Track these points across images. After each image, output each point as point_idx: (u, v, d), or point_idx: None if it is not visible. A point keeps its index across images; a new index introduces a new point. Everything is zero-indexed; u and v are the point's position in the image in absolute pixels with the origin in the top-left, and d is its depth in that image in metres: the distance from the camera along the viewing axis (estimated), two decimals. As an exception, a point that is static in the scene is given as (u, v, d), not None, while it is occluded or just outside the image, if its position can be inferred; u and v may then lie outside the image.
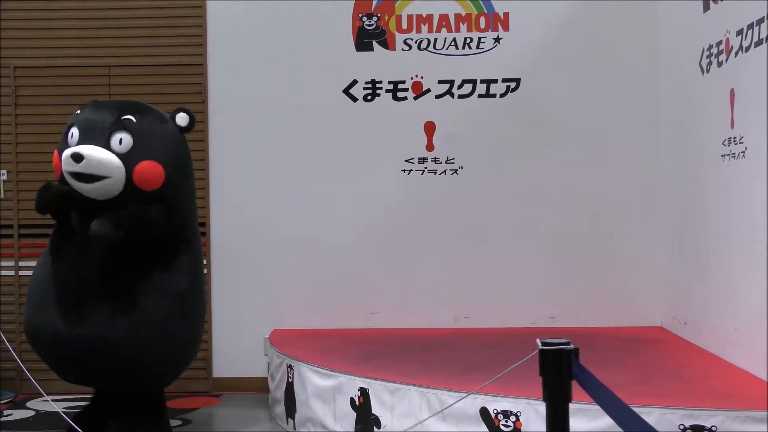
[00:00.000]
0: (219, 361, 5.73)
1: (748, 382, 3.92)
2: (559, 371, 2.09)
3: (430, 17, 5.66)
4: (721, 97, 4.40)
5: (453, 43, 5.67)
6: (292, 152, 5.69)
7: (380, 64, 5.67)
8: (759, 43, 3.94)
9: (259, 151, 5.70)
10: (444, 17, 5.66)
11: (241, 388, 5.65)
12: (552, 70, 5.62)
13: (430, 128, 5.68)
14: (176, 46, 5.75)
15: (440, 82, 5.66)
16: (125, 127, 3.83)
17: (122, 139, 3.81)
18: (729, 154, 4.32)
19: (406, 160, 5.67)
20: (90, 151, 3.73)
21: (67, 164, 3.75)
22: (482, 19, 5.65)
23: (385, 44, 5.68)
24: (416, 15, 5.66)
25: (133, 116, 3.87)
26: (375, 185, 5.66)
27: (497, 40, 5.65)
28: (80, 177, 3.75)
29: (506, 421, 3.61)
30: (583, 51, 5.62)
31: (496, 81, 5.65)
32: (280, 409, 4.85)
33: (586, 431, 3.39)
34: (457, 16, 5.65)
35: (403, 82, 5.68)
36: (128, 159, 3.79)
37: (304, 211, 5.70)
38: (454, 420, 3.74)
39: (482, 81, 5.65)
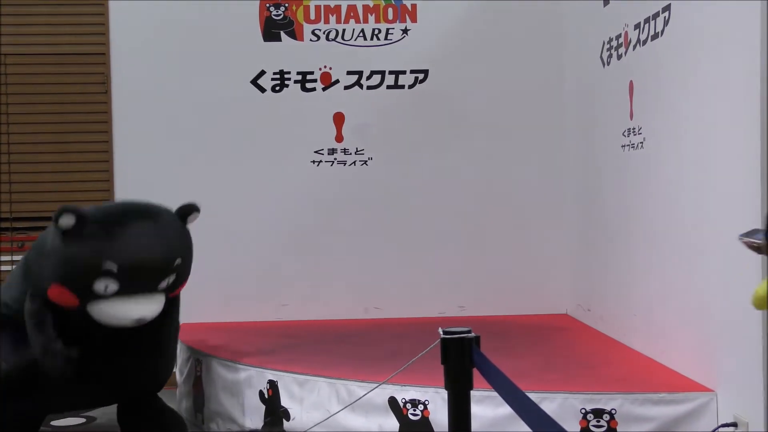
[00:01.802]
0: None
1: (646, 365, 4.05)
2: (461, 359, 2.12)
3: (338, 8, 5.64)
4: (621, 89, 4.52)
5: (361, 34, 5.66)
6: (200, 144, 5.59)
7: (288, 54, 5.62)
8: (655, 36, 4.05)
9: (165, 143, 5.58)
10: (352, 8, 5.65)
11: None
12: (460, 61, 5.68)
13: (339, 119, 5.67)
14: (77, 34, 5.59)
15: (349, 72, 5.66)
16: (175, 269, 3.73)
17: (169, 281, 3.72)
18: (629, 145, 4.45)
19: (316, 151, 5.65)
20: (148, 311, 3.62)
21: (120, 321, 3.61)
22: (390, 11, 5.66)
23: (293, 34, 5.63)
24: (324, 5, 5.63)
25: (180, 257, 3.77)
26: (284, 176, 5.62)
27: (405, 31, 5.67)
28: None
29: (414, 410, 3.64)
30: (491, 43, 5.69)
31: (404, 72, 5.67)
32: (189, 403, 4.78)
33: (491, 417, 3.45)
34: (365, 7, 5.65)
35: (312, 73, 5.65)
36: (171, 289, 3.81)
37: (212, 203, 5.57)
38: (363, 410, 3.74)
39: (391, 72, 5.67)
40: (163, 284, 3.66)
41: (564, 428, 1.65)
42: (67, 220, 3.49)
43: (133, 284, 3.53)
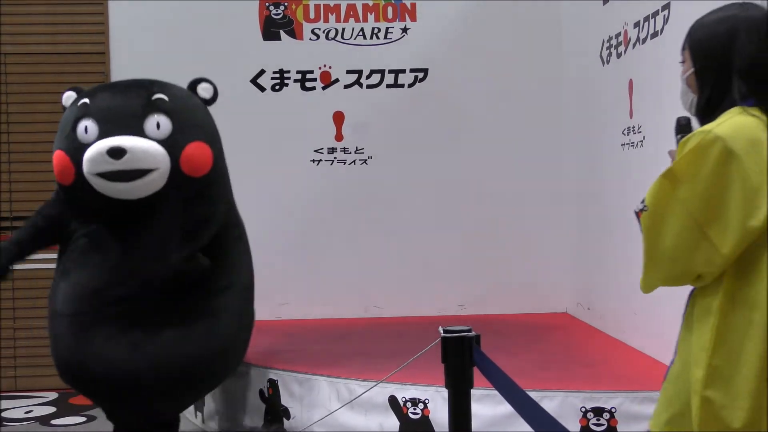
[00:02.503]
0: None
1: (647, 364, 4.05)
2: (461, 358, 2.12)
3: (337, 7, 5.64)
4: (620, 88, 4.52)
5: (361, 33, 5.67)
6: (199, 142, 5.59)
7: (288, 53, 5.63)
8: (655, 35, 4.06)
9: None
10: (351, 7, 5.65)
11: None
12: (459, 60, 5.68)
13: (339, 118, 5.67)
14: (77, 33, 5.58)
15: (348, 72, 5.66)
16: (159, 108, 3.21)
17: (159, 123, 3.19)
18: (628, 143, 4.45)
19: (316, 150, 5.65)
20: (131, 141, 3.08)
21: (99, 163, 3.08)
22: (390, 9, 5.67)
23: (292, 33, 5.64)
24: (323, 4, 5.63)
25: (164, 95, 3.27)
26: (284, 175, 5.62)
27: (405, 30, 5.67)
28: (120, 175, 3.10)
29: (414, 409, 3.64)
30: (490, 42, 5.69)
31: (404, 71, 5.68)
32: (189, 403, 4.78)
33: (491, 416, 3.45)
34: (365, 6, 5.65)
35: (312, 72, 5.66)
36: (172, 144, 3.18)
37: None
38: (363, 409, 3.75)
39: (390, 71, 5.67)
40: (150, 125, 3.19)
41: (564, 427, 1.65)
42: (67, 96, 3.49)
43: (111, 123, 3.17)
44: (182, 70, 5.51)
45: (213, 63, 5.55)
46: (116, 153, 3.04)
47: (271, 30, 5.63)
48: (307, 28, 5.65)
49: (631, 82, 4.40)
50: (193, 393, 3.59)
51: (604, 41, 4.82)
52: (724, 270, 1.82)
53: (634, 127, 4.37)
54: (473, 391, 2.22)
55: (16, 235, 3.59)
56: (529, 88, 5.69)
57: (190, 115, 3.30)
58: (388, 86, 5.68)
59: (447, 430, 2.20)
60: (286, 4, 5.61)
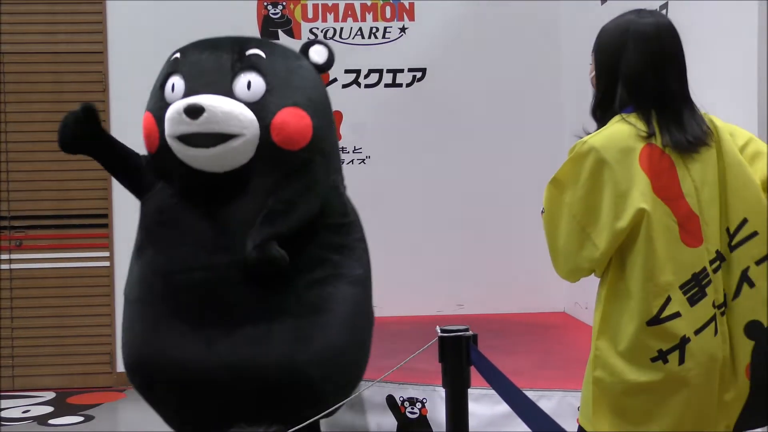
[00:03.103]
0: (123, 356, 5.61)
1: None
2: (458, 358, 2.12)
3: (335, 6, 5.64)
4: (618, 88, 4.52)
5: (359, 33, 5.67)
6: (197, 142, 5.59)
7: (286, 53, 5.62)
8: (653, 35, 4.05)
9: (163, 141, 5.58)
10: (350, 6, 5.65)
11: (146, 382, 5.55)
12: (458, 60, 5.68)
13: (337, 118, 5.66)
14: (75, 33, 5.58)
15: (347, 71, 5.66)
16: (252, 65, 2.74)
17: (251, 83, 2.72)
18: (626, 143, 4.45)
19: (314, 150, 5.64)
20: (212, 101, 2.63)
21: (177, 124, 2.66)
22: (388, 9, 5.67)
23: (290, 33, 5.64)
24: (322, 4, 5.63)
25: (261, 50, 2.80)
26: (282, 175, 5.61)
27: (403, 29, 5.68)
28: (198, 139, 2.65)
29: (412, 408, 3.64)
30: (488, 42, 5.69)
31: (402, 71, 5.68)
32: (187, 402, 4.78)
33: (489, 415, 3.45)
34: (363, 6, 5.65)
35: (310, 72, 5.65)
36: (262, 108, 2.69)
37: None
38: (361, 409, 3.75)
39: (389, 71, 5.67)
40: (240, 84, 2.72)
41: (561, 426, 1.66)
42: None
43: (197, 80, 2.75)
44: (180, 70, 5.56)
45: (211, 62, 5.57)
46: (193, 112, 2.59)
47: (269, 29, 5.63)
48: (305, 27, 5.65)
49: (629, 81, 4.40)
50: (290, 404, 2.76)
51: (602, 41, 4.82)
52: (605, 264, 2.02)
53: (632, 126, 4.36)
54: (471, 391, 2.22)
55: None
56: (527, 88, 5.69)
57: (291, 77, 2.78)
58: (387, 86, 5.68)
59: (444, 429, 2.20)
60: (284, 3, 5.61)
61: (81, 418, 4.84)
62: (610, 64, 2.05)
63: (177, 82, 2.82)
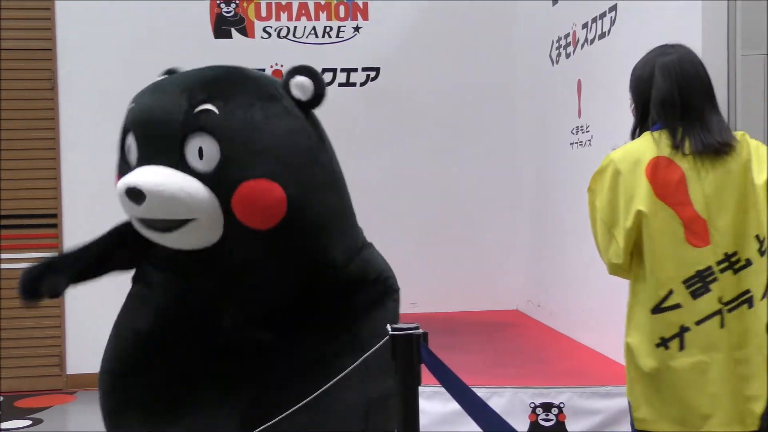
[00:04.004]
0: (73, 357, 5.52)
1: (595, 360, 4.11)
2: (409, 356, 2.12)
3: (289, 5, 5.62)
4: (569, 88, 4.58)
5: (313, 32, 5.65)
6: (149, 141, 5.53)
7: (239, 51, 5.58)
8: (602, 35, 4.11)
9: (113, 140, 5.48)
10: (303, 5, 5.64)
11: (97, 384, 5.47)
12: (411, 59, 5.70)
13: (290, 117, 5.65)
14: (23, 29, 5.48)
15: (300, 70, 5.63)
16: (203, 126, 2.17)
17: (202, 150, 2.16)
18: (577, 142, 4.50)
19: (267, 149, 5.61)
20: (153, 183, 2.15)
21: (124, 204, 2.25)
22: (342, 8, 5.66)
23: (243, 32, 5.60)
24: (275, 3, 5.61)
25: (213, 104, 2.19)
26: (235, 174, 5.58)
27: (357, 29, 5.68)
28: (150, 223, 2.24)
29: (365, 407, 3.64)
30: (442, 42, 5.72)
31: (356, 70, 5.68)
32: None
33: (441, 413, 3.47)
34: (317, 5, 5.64)
35: (263, 70, 5.60)
36: (219, 182, 2.17)
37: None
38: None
39: (342, 70, 5.67)
40: (191, 151, 2.17)
41: (510, 425, 1.67)
42: None
43: (146, 146, 2.26)
44: (131, 69, 5.48)
45: (163, 60, 5.46)
46: (134, 196, 2.16)
47: (222, 28, 5.59)
48: (258, 26, 5.62)
49: (579, 82, 4.45)
50: None
51: (553, 41, 4.88)
52: (628, 260, 2.34)
53: (582, 126, 4.42)
54: (423, 389, 2.22)
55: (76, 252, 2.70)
56: (481, 88, 5.73)
57: (253, 135, 2.20)
58: (340, 85, 5.67)
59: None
60: (237, 2, 5.58)
61: (29, 422, 4.76)
62: (644, 94, 2.40)
63: (131, 144, 2.33)
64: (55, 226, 5.45)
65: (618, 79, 3.97)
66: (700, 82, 2.35)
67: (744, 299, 2.25)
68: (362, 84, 5.69)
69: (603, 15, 4.09)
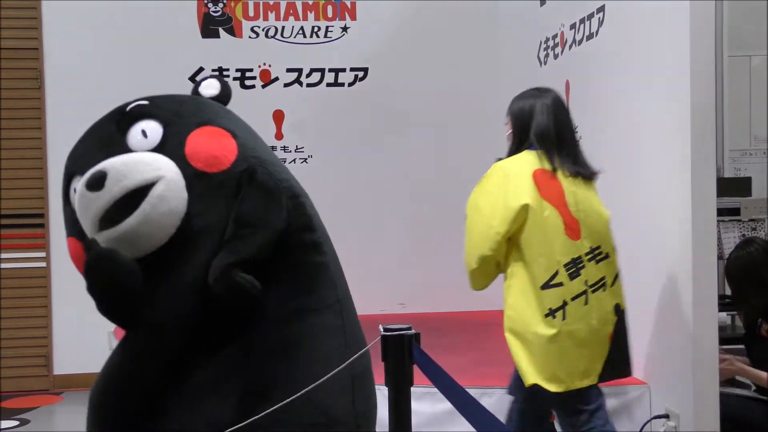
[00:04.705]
0: (60, 357, 5.50)
1: (583, 360, 4.12)
2: (401, 356, 2.13)
3: (277, 5, 5.62)
4: (557, 88, 4.55)
5: (301, 32, 5.65)
6: (136, 141, 5.51)
7: (227, 51, 5.58)
8: (590, 36, 4.13)
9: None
10: (291, 5, 5.63)
11: (84, 384, 5.43)
12: (399, 59, 5.71)
13: (278, 117, 5.65)
14: (9, 28, 5.45)
15: (288, 70, 5.64)
16: (138, 114, 2.31)
17: (145, 130, 2.26)
18: (565, 143, 4.52)
19: (255, 149, 5.61)
20: (108, 161, 2.16)
21: (87, 209, 2.16)
22: (329, 8, 5.66)
23: (231, 31, 5.59)
24: (263, 2, 5.60)
25: (141, 101, 2.38)
26: (223, 174, 5.56)
27: (345, 29, 5.68)
28: (118, 211, 2.13)
29: (355, 408, 3.64)
30: (430, 42, 5.73)
31: (344, 70, 5.68)
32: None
33: (431, 413, 3.47)
34: (305, 5, 5.64)
35: (251, 70, 5.62)
36: (169, 145, 2.23)
37: (150, 201, 5.54)
38: (303, 408, 3.73)
39: (330, 70, 5.67)
40: (134, 138, 2.27)
41: (503, 424, 1.68)
42: None
43: (90, 163, 2.24)
44: (118, 68, 5.47)
45: (150, 60, 5.49)
46: (93, 182, 2.12)
47: (209, 27, 5.58)
48: (246, 25, 5.61)
49: (567, 82, 4.47)
50: None
51: (541, 42, 4.89)
52: (503, 251, 2.90)
53: (570, 127, 4.43)
54: (413, 389, 2.23)
55: None
56: (468, 88, 5.74)
57: (184, 107, 2.37)
58: (329, 85, 5.67)
59: (386, 427, 2.20)
60: (224, 1, 5.57)
61: (16, 423, 4.74)
62: (525, 125, 3.03)
63: (77, 184, 2.25)
64: (42, 225, 5.43)
65: (606, 80, 4.00)
66: (568, 121, 3.06)
67: (602, 284, 2.89)
68: (350, 84, 5.69)
69: (591, 16, 4.10)
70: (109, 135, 2.29)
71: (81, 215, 2.18)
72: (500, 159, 3.07)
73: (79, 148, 2.40)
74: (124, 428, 2.26)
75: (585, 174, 2.97)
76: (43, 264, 5.44)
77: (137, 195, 2.11)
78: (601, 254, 2.91)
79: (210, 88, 2.52)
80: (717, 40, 3.45)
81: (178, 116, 2.30)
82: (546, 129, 2.98)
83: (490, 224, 2.88)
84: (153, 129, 2.25)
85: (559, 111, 3.05)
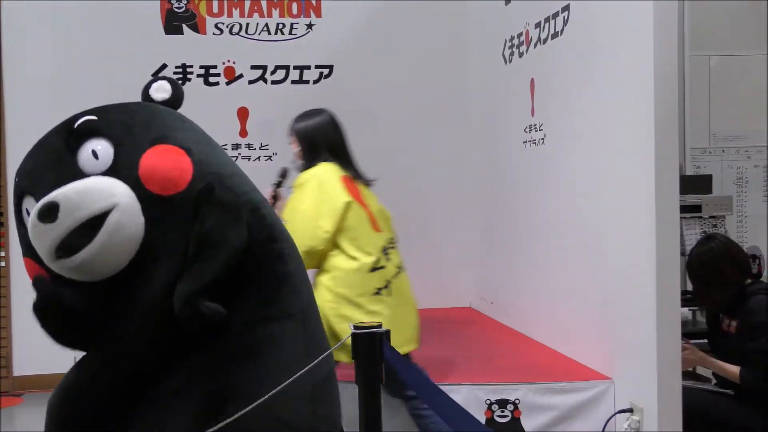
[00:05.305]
0: (20, 357, 5.41)
1: (548, 356, 4.16)
2: (372, 354, 2.13)
3: (241, 2, 5.58)
4: (522, 86, 4.62)
5: (265, 29, 5.62)
6: (98, 138, 5.44)
7: (191, 48, 5.53)
8: (555, 35, 4.16)
9: (61, 137, 5.41)
10: (256, 2, 5.60)
11: (46, 385, 5.36)
12: (365, 57, 5.70)
13: (243, 114, 5.62)
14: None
15: (253, 67, 5.61)
16: (87, 133, 2.20)
17: (95, 150, 2.17)
18: (530, 141, 4.55)
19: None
20: (59, 191, 2.07)
21: (42, 239, 2.07)
22: (294, 6, 5.64)
23: (195, 28, 5.54)
24: (227, -1, 5.57)
25: (89, 115, 2.25)
26: (187, 172, 5.52)
27: (310, 26, 5.66)
28: (73, 241, 2.06)
29: (322, 406, 3.64)
30: (395, 40, 5.73)
31: (309, 67, 5.66)
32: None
33: (399, 411, 3.49)
34: (269, 2, 5.61)
35: (215, 67, 5.58)
36: (121, 167, 2.14)
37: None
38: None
39: (295, 67, 5.65)
40: (84, 159, 2.17)
41: (476, 418, 1.69)
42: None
43: (41, 188, 2.17)
44: (80, 65, 5.40)
45: (113, 57, 5.43)
46: (45, 214, 2.04)
47: (173, 24, 5.52)
48: (210, 22, 5.56)
49: (532, 80, 4.50)
50: None
51: (506, 41, 4.92)
52: (331, 242, 3.38)
53: (535, 125, 4.47)
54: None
55: None
56: (433, 86, 5.75)
57: (134, 121, 2.26)
58: (293, 82, 5.65)
59: (354, 425, 2.21)
60: (188, -3, 5.52)
61: (-23, 425, 4.66)
62: (315, 141, 3.56)
63: (29, 203, 2.19)
64: (1, 224, 5.34)
65: (571, 78, 4.03)
66: (346, 135, 3.65)
67: (401, 268, 3.54)
68: (315, 82, 5.67)
69: (556, 15, 4.13)
70: (58, 154, 2.19)
71: (35, 243, 2.10)
72: (285, 169, 3.75)
73: (27, 163, 2.29)
74: None
75: (367, 180, 3.64)
76: (2, 263, 5.35)
77: (93, 223, 2.05)
78: (394, 243, 3.59)
79: (160, 91, 2.41)
80: (679, 40, 3.50)
81: (129, 134, 2.20)
82: (336, 142, 3.57)
83: (316, 224, 3.33)
84: (104, 149, 2.15)
85: (339, 127, 3.64)
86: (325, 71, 5.67)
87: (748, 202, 5.87)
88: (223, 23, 5.57)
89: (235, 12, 5.58)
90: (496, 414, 3.53)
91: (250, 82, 5.61)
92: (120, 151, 2.14)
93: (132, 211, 2.09)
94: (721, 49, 5.88)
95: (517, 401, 3.54)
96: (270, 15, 5.62)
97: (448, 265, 5.81)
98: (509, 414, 3.53)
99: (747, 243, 5.50)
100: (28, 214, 2.15)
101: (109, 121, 2.21)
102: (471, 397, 3.56)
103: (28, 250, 2.19)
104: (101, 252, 2.06)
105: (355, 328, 2.17)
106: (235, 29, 5.58)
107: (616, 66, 3.52)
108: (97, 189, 2.07)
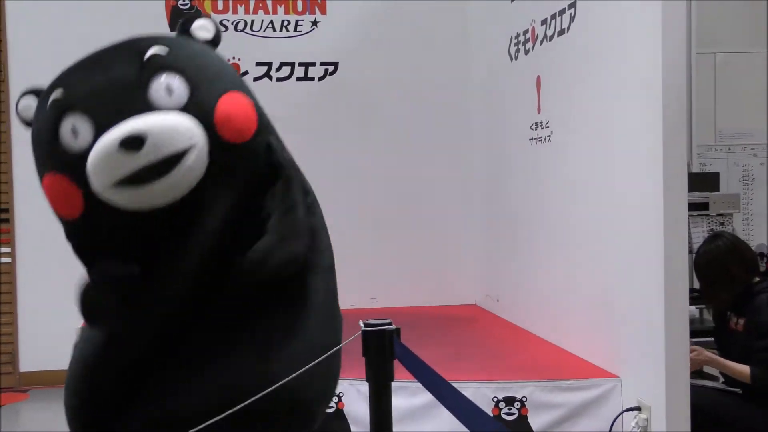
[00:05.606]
0: (26, 354, 5.42)
1: (555, 354, 4.15)
2: (382, 351, 2.13)
3: (246, -2, 5.59)
4: (528, 84, 4.61)
5: (270, 25, 5.62)
6: (104, 135, 5.44)
7: (196, 44, 5.52)
8: (561, 32, 4.15)
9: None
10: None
11: (51, 381, 5.35)
12: (369, 54, 5.69)
13: (248, 111, 5.61)
14: (-28, 20, 5.36)
15: (258, 64, 5.60)
16: (160, 67, 2.13)
17: (170, 86, 2.11)
18: (536, 138, 4.54)
19: (224, 144, 5.57)
20: (147, 122, 2.04)
21: (113, 167, 2.03)
22: (299, 2, 5.63)
23: (200, 24, 5.53)
24: (232, -5, 5.57)
25: (158, 47, 2.17)
26: (192, 169, 5.52)
27: (315, 23, 5.65)
28: (147, 173, 2.05)
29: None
30: (400, 37, 5.72)
31: (314, 64, 5.66)
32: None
33: (407, 407, 3.48)
34: (274, -1, 5.62)
35: (220, 64, 5.56)
36: (197, 108, 2.11)
37: (118, 196, 5.48)
38: (276, 404, 3.73)
39: (300, 64, 5.64)
40: (157, 93, 2.10)
41: (488, 414, 1.69)
42: (25, 104, 2.46)
43: (104, 111, 2.10)
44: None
45: (118, 53, 5.41)
46: (133, 143, 2.00)
47: (178, 21, 5.50)
48: (215, 19, 5.54)
49: (538, 78, 4.49)
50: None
51: (512, 38, 4.91)
52: None
53: (541, 122, 4.46)
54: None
55: None
56: (438, 83, 5.75)
57: (203, 61, 2.22)
58: (298, 79, 5.65)
59: (361, 423, 2.21)
60: (193, -6, 5.52)
61: (-18, 421, 4.67)
62: None
63: (78, 123, 2.10)
64: (7, 221, 5.34)
65: (578, 75, 4.02)
66: None
67: None
68: (320, 78, 5.67)
69: (562, 12, 4.12)
70: (127, 82, 2.11)
71: (99, 167, 2.03)
72: None
73: (81, 80, 2.20)
74: (104, 407, 2.23)
75: None
76: (9, 260, 5.35)
77: (170, 160, 2.04)
78: None
79: (203, 30, 2.31)
80: (686, 37, 3.49)
81: (205, 77, 2.16)
82: None
83: None
84: (178, 87, 2.10)
85: None
86: (330, 68, 5.67)
87: (754, 199, 5.87)
88: (228, 20, 5.56)
89: (240, 9, 5.58)
90: (503, 412, 3.53)
91: (255, 78, 5.60)
92: (196, 93, 2.11)
93: (203, 154, 2.09)
94: (726, 47, 5.88)
95: (524, 399, 3.53)
96: (275, 12, 5.62)
97: (454, 262, 5.80)
98: (516, 412, 3.53)
99: (754, 241, 5.49)
100: (74, 133, 2.09)
101: (184, 57, 2.17)
102: (478, 394, 3.55)
103: (66, 167, 2.12)
104: (168, 189, 2.07)
105: (366, 325, 2.16)
106: (240, 26, 5.58)
107: (623, 63, 3.51)
108: (183, 128, 2.06)
